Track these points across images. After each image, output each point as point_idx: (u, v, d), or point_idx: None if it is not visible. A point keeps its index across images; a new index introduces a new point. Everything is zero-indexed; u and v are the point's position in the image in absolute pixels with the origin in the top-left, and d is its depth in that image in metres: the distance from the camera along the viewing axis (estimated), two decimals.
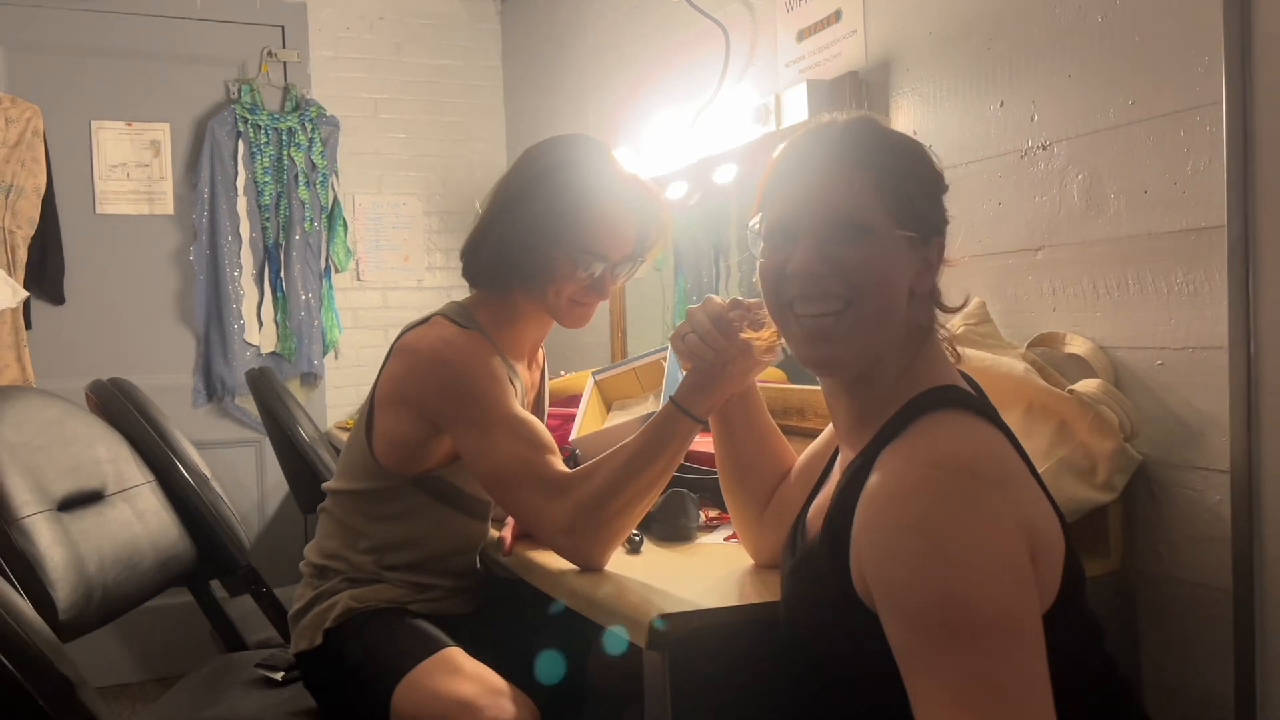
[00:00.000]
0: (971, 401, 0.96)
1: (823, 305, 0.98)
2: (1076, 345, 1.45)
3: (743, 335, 1.24)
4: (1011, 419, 1.40)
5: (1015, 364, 1.42)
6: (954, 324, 1.50)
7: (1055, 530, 0.92)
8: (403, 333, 1.58)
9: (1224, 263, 1.24)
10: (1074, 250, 1.46)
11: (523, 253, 1.52)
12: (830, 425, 1.28)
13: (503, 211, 1.54)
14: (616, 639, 1.33)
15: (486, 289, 1.58)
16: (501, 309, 1.59)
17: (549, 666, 1.60)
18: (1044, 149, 1.50)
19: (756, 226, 1.04)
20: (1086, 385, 1.36)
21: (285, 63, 3.62)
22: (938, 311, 1.05)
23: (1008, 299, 1.57)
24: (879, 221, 0.97)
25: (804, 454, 1.35)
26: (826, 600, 0.96)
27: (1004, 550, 0.83)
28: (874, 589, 0.87)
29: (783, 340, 1.09)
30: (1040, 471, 1.32)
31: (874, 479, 0.90)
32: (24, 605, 0.81)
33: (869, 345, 0.99)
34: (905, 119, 1.78)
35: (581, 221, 1.50)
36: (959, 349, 1.11)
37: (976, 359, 1.44)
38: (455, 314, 1.57)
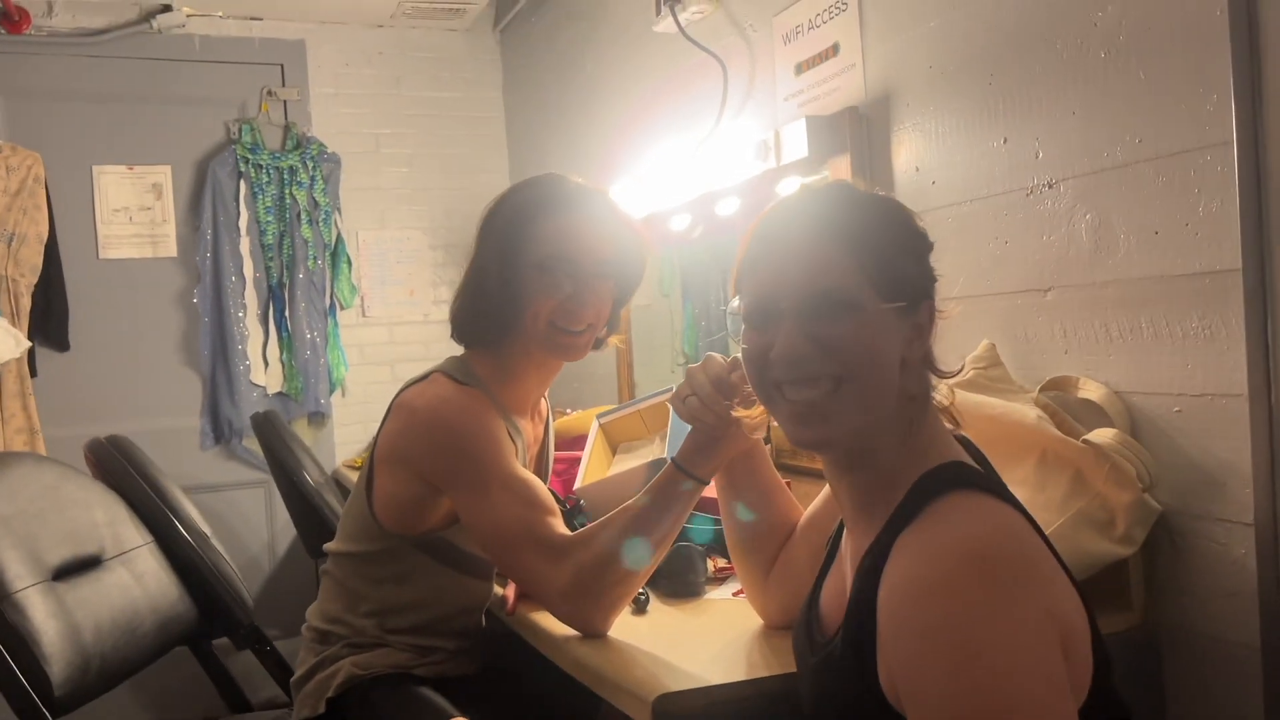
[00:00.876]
0: (981, 480, 0.92)
1: (813, 389, 0.93)
2: (1090, 390, 1.40)
3: (735, 414, 1.20)
4: (1025, 470, 1.36)
5: (1028, 411, 1.38)
6: (960, 372, 1.45)
7: (1080, 614, 0.87)
8: (402, 389, 1.55)
9: (1240, 307, 1.20)
10: (1084, 291, 1.42)
11: (492, 288, 1.49)
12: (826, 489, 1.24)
13: (469, 265, 1.55)
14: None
15: (480, 348, 1.55)
16: (498, 363, 1.55)
17: None
18: (1050, 187, 1.46)
19: (735, 308, 1.01)
20: (1102, 435, 1.31)
21: (285, 101, 3.62)
22: (932, 377, 1.00)
23: (1017, 340, 1.53)
24: (862, 295, 0.92)
25: (806, 512, 1.31)
26: (852, 703, 0.91)
27: (1038, 649, 0.79)
28: (904, 695, 0.83)
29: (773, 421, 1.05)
30: (1057, 525, 1.29)
31: (894, 574, 0.86)
32: None
33: (863, 422, 0.94)
34: (907, 155, 1.74)
35: (535, 228, 1.49)
36: (955, 409, 1.05)
37: (987, 406, 1.40)
38: (454, 370, 1.54)
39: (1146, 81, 1.30)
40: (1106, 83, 1.36)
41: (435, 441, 1.45)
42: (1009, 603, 0.80)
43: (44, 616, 1.52)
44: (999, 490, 0.92)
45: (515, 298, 1.49)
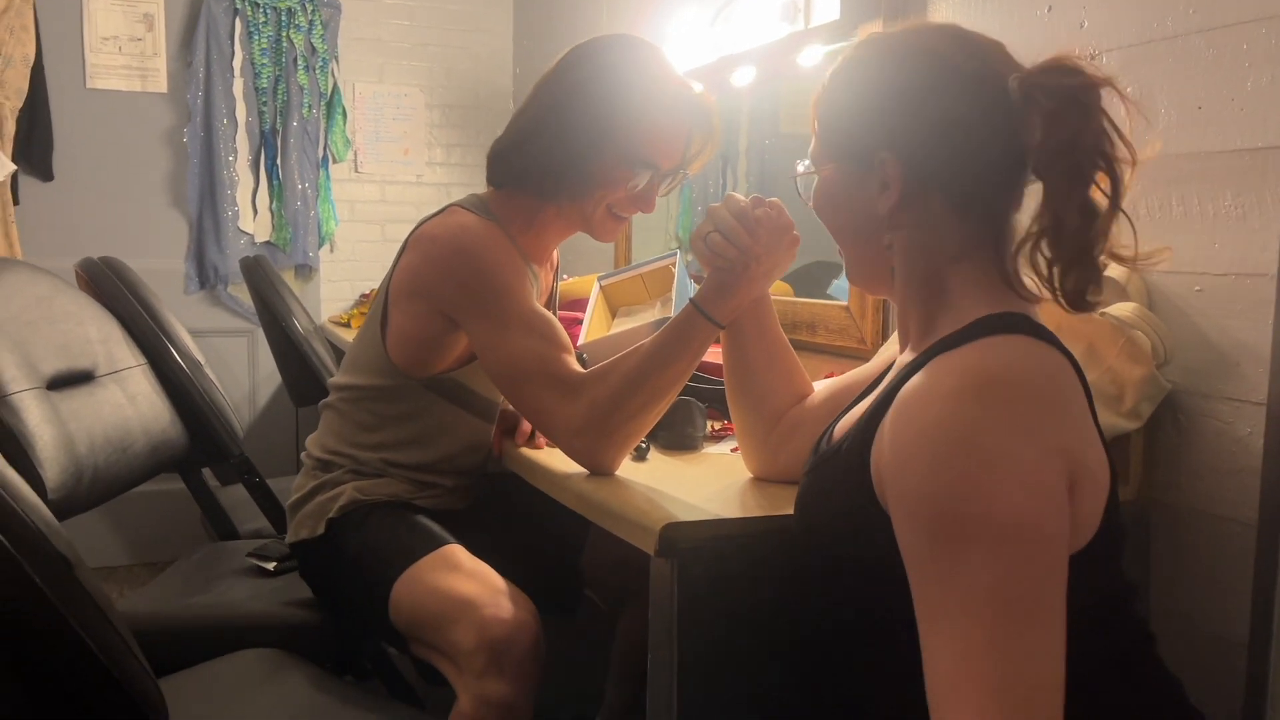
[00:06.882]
0: (1041, 331, 0.89)
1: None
2: (1109, 267, 1.39)
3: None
4: None
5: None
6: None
7: (1103, 475, 0.86)
8: (417, 227, 1.52)
9: (1278, 185, 1.19)
10: None
11: (572, 159, 1.45)
12: (876, 355, 1.24)
13: (551, 115, 1.46)
14: None
15: (514, 190, 1.52)
16: (524, 211, 1.52)
17: None
18: (1091, 59, 1.43)
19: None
20: (1121, 309, 1.31)
21: None
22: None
23: None
24: (818, 160, 1.02)
25: (840, 379, 1.30)
26: (841, 497, 0.92)
27: (1034, 465, 0.77)
28: (888, 487, 0.83)
29: None
30: None
31: (913, 380, 0.85)
32: (20, 482, 0.77)
33: (852, 260, 1.03)
34: (942, 21, 1.69)
35: (638, 128, 1.44)
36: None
37: None
38: (473, 206, 1.51)
39: None
40: None
41: (454, 271, 1.42)
42: (1015, 416, 0.78)
43: (38, 421, 1.51)
44: (1056, 343, 0.90)
45: (590, 176, 1.46)
